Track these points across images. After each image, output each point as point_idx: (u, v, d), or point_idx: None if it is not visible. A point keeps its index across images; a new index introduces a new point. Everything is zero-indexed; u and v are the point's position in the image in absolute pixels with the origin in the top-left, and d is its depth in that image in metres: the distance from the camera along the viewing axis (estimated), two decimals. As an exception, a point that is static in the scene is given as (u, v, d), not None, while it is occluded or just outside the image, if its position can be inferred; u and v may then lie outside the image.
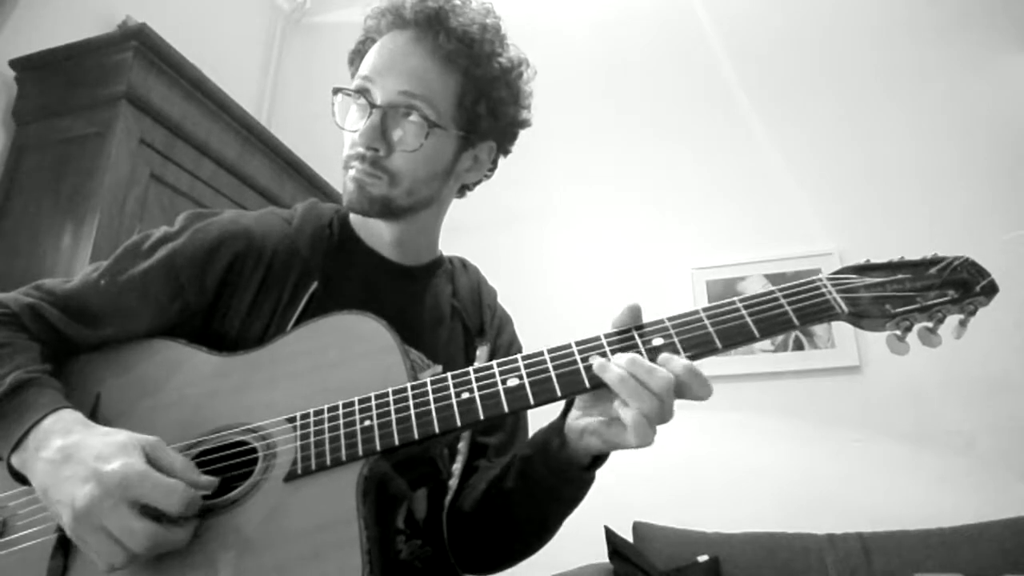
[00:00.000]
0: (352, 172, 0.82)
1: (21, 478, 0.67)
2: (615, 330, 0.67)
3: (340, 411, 0.67)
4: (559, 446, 0.71)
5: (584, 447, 0.69)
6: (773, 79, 2.59)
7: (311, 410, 0.68)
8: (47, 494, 0.63)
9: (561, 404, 0.71)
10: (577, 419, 0.70)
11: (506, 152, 0.94)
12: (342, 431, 0.66)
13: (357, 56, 0.89)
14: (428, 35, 0.82)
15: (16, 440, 0.66)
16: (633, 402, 0.60)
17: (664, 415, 0.61)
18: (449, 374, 0.67)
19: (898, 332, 0.65)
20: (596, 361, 0.64)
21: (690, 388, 0.61)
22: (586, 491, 0.75)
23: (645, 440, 0.61)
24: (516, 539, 0.82)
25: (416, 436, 0.64)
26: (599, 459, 0.72)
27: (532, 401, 0.64)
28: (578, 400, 0.70)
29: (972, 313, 0.65)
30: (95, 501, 0.59)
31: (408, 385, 0.67)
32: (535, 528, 0.80)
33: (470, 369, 0.67)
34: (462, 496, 0.84)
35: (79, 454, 0.62)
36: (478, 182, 0.95)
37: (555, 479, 0.73)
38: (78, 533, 0.60)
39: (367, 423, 0.65)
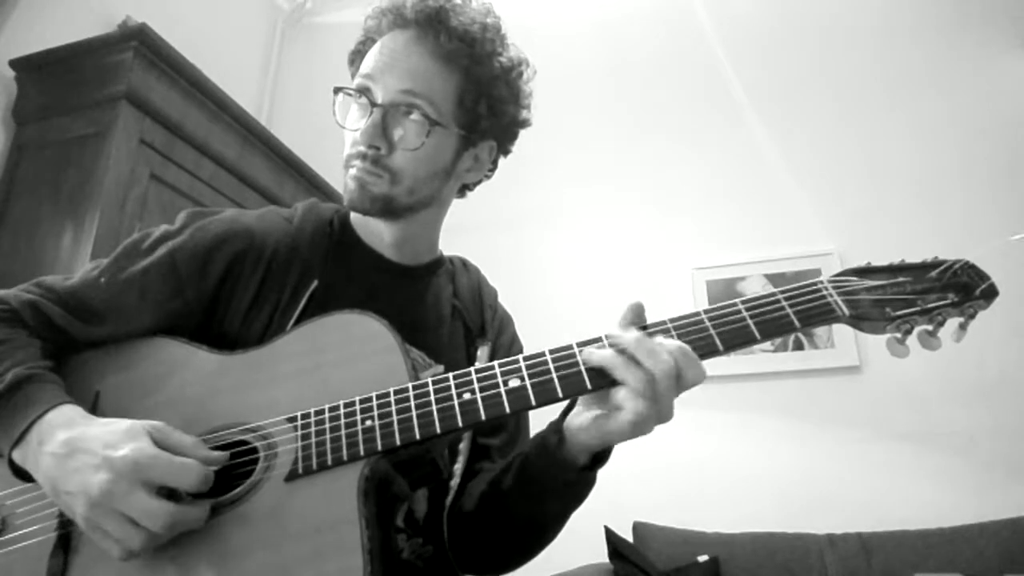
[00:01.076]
0: (353, 171, 0.82)
1: (22, 474, 0.67)
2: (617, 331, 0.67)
3: (341, 411, 0.67)
4: (557, 443, 0.71)
5: (581, 444, 0.69)
6: (773, 79, 2.59)
7: (312, 410, 0.68)
8: (55, 487, 0.63)
9: (563, 405, 0.71)
10: (575, 416, 0.70)
11: (506, 152, 0.94)
12: (343, 431, 0.66)
13: (357, 56, 0.89)
14: (429, 34, 0.82)
15: (18, 436, 0.66)
16: (628, 377, 0.61)
17: (663, 408, 0.61)
18: (451, 374, 0.67)
19: (898, 335, 0.65)
20: (587, 350, 0.64)
21: (683, 371, 0.61)
22: (585, 493, 0.74)
23: (640, 419, 0.61)
24: (513, 540, 0.82)
25: (417, 436, 0.64)
26: (599, 460, 0.72)
27: (533, 402, 0.64)
28: (580, 400, 0.70)
29: (972, 316, 0.65)
30: (110, 486, 0.59)
31: (409, 385, 0.67)
32: (532, 529, 0.80)
33: (472, 369, 0.67)
34: (463, 497, 0.84)
35: (86, 445, 0.62)
36: (478, 182, 0.95)
37: (551, 477, 0.72)
38: (95, 521, 0.60)
39: (368, 423, 0.65)
